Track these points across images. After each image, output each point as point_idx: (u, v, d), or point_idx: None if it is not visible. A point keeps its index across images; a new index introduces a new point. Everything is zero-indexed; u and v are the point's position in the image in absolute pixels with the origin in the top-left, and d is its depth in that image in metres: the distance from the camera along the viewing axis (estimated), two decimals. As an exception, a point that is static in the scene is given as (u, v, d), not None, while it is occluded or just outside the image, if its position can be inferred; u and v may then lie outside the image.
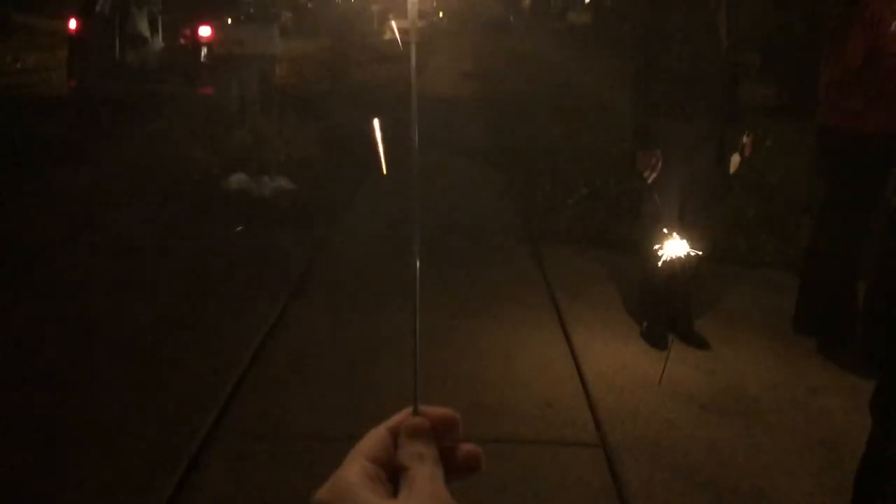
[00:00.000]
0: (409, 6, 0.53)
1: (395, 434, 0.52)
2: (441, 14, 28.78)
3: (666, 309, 3.90)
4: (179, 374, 3.37)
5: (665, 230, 3.54)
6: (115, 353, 3.51)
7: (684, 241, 3.47)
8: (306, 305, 4.18)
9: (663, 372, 3.47)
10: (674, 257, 3.48)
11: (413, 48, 0.54)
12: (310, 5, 27.44)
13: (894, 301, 3.51)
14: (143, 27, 9.71)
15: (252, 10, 12.87)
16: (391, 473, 0.50)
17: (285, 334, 3.82)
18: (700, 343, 3.86)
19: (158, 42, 9.84)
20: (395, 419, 0.53)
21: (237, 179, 6.35)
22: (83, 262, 4.65)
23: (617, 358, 3.74)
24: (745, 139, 3.69)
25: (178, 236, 5.14)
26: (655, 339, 3.85)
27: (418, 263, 0.55)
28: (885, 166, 3.65)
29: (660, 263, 3.54)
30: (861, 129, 3.58)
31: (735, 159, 3.71)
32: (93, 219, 5.35)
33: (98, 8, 9.43)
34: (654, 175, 3.57)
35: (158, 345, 3.63)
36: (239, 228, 5.14)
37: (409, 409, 0.53)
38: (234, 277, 4.49)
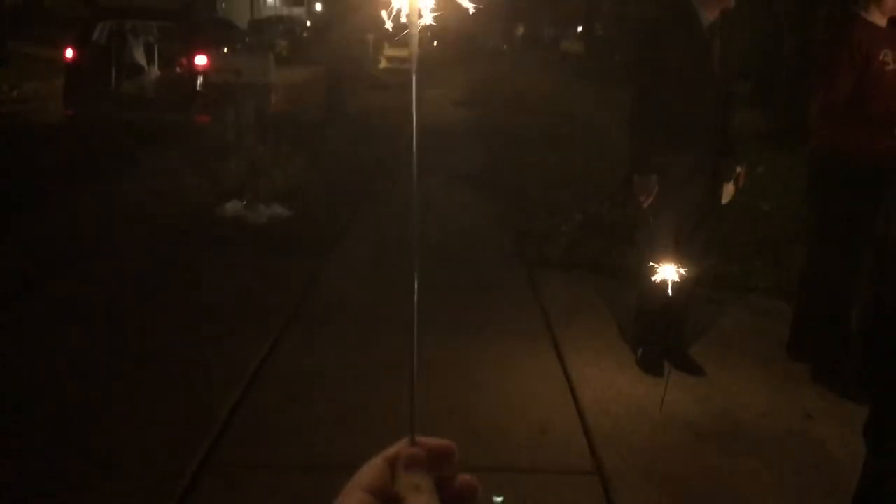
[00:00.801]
0: (410, 38, 0.55)
1: (392, 465, 0.52)
2: (435, 43, 29.04)
3: (661, 335, 3.91)
4: (173, 404, 3.35)
5: (660, 257, 3.55)
6: (108, 383, 3.50)
7: (679, 267, 3.49)
8: (301, 333, 4.17)
9: (663, 398, 3.47)
10: (669, 284, 3.50)
11: (414, 79, 0.55)
12: (305, 34, 27.66)
13: (885, 328, 3.53)
14: (140, 56, 9.81)
15: (248, 40, 12.99)
16: None
17: (280, 362, 3.81)
18: (695, 369, 3.86)
19: (154, 71, 9.94)
20: (392, 450, 0.53)
21: (232, 207, 6.36)
22: (76, 291, 4.64)
23: (612, 384, 3.74)
24: (738, 170, 3.73)
25: (172, 263, 5.13)
26: (650, 366, 3.85)
27: (416, 298, 0.56)
28: (876, 193, 3.68)
29: (655, 290, 3.56)
30: (851, 157, 3.61)
31: (728, 189, 3.75)
32: (87, 246, 5.35)
33: (95, 37, 9.51)
34: (650, 200, 3.59)
35: (152, 374, 3.61)
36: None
37: (405, 440, 0.54)
38: (229, 305, 4.48)
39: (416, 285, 0.57)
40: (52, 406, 3.28)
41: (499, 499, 3.28)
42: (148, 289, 4.70)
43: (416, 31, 0.53)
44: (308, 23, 31.57)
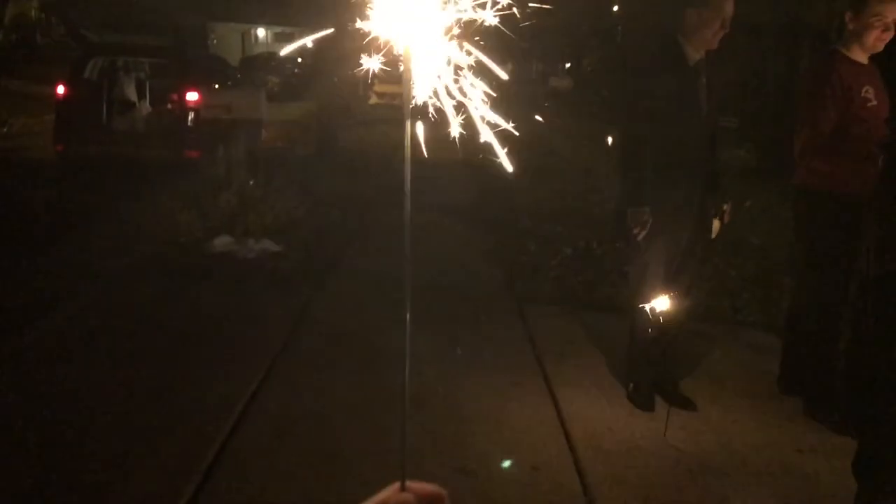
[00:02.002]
0: (404, 80, 0.56)
1: None
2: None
3: (652, 370, 3.90)
4: (159, 443, 3.31)
5: (651, 291, 3.56)
6: (94, 421, 3.45)
7: (670, 301, 3.50)
8: (290, 370, 4.14)
9: (666, 428, 3.46)
10: (660, 318, 3.50)
11: (407, 125, 0.56)
12: (297, 71, 27.84)
13: (867, 363, 3.55)
14: (131, 92, 9.84)
15: (239, 76, 13.08)
16: None
17: (268, 400, 3.77)
18: (686, 404, 3.85)
19: (146, 106, 9.97)
20: (382, 495, 0.53)
21: (222, 242, 6.35)
22: (63, 326, 4.60)
23: (604, 420, 3.72)
24: (724, 206, 3.76)
25: (162, 298, 5.11)
26: (642, 401, 3.84)
27: (408, 350, 0.56)
28: (860, 228, 3.71)
29: (647, 324, 3.56)
30: (834, 193, 3.65)
31: (716, 225, 3.78)
32: (76, 282, 5.31)
33: (86, 74, 9.56)
34: (643, 233, 3.61)
35: (139, 412, 3.57)
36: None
37: (396, 485, 0.53)
38: (218, 341, 4.45)
39: (407, 345, 0.57)
40: (38, 442, 3.24)
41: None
42: (136, 324, 4.66)
43: (409, 74, 0.55)
44: (299, 59, 31.79)
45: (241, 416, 3.56)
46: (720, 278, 5.84)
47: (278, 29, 39.62)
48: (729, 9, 3.52)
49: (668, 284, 3.64)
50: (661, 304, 3.49)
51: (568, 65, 39.65)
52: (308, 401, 3.77)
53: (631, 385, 3.95)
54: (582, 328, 4.96)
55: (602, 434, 3.58)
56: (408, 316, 0.54)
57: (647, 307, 3.54)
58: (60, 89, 9.23)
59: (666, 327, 3.57)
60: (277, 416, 3.61)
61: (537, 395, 3.99)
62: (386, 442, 3.24)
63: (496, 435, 3.53)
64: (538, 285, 5.80)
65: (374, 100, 22.26)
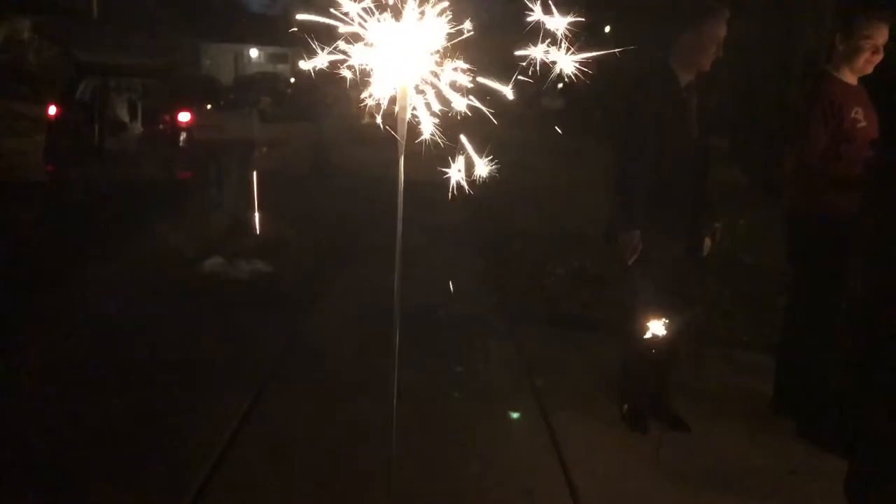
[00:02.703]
0: (398, 121, 0.54)
1: None
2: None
3: (646, 391, 3.88)
4: (149, 466, 3.27)
5: (645, 312, 3.55)
6: (85, 445, 3.41)
7: (664, 322, 3.49)
8: (282, 392, 4.10)
9: (659, 450, 3.45)
10: (654, 339, 3.49)
11: (401, 161, 0.55)
12: (289, 91, 27.95)
13: (856, 384, 3.55)
14: (123, 113, 9.85)
15: (232, 96, 13.11)
16: None
17: (259, 423, 3.74)
18: (679, 425, 3.83)
19: (137, 127, 9.97)
20: None
21: (213, 263, 6.32)
22: (50, 350, 4.55)
23: (598, 442, 3.70)
24: (715, 225, 3.77)
25: (152, 319, 5.07)
26: (636, 422, 3.82)
27: (397, 367, 0.54)
28: (850, 250, 3.72)
29: (641, 345, 3.55)
30: (826, 214, 3.66)
31: (707, 242, 3.79)
32: (64, 303, 5.28)
33: (78, 94, 9.56)
34: (634, 257, 3.60)
35: (129, 435, 3.53)
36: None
37: None
38: (208, 363, 4.41)
39: (396, 357, 0.55)
40: (27, 466, 3.20)
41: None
42: (126, 345, 4.62)
43: (405, 103, 0.54)
44: (292, 79, 31.91)
45: (231, 439, 3.53)
46: (713, 298, 5.84)
47: (271, 49, 39.82)
48: (722, 33, 3.55)
49: (661, 306, 3.63)
50: (654, 326, 3.48)
51: (561, 84, 39.85)
52: (299, 424, 3.73)
53: (625, 406, 3.92)
54: (575, 349, 4.94)
55: (596, 456, 3.55)
56: (396, 339, 0.52)
57: (641, 329, 3.53)
58: (52, 110, 9.23)
59: (659, 349, 3.56)
60: (268, 438, 3.57)
61: (530, 417, 3.97)
62: (377, 465, 3.20)
63: (488, 458, 3.50)
64: (531, 306, 5.78)
65: (367, 120, 22.31)
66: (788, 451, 3.71)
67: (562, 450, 3.60)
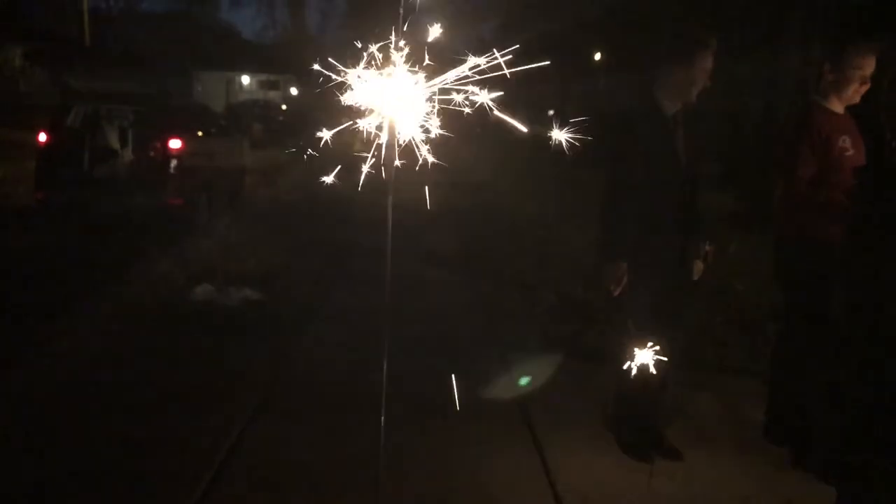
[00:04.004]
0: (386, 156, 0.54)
1: None
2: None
3: (640, 419, 3.86)
4: (139, 494, 3.23)
5: (637, 339, 3.53)
6: (73, 473, 3.37)
7: (654, 350, 3.47)
8: (271, 420, 4.07)
9: (651, 478, 3.43)
10: (645, 367, 3.47)
11: (390, 200, 0.54)
12: (280, 118, 28.04)
13: (840, 412, 3.53)
14: (113, 140, 9.83)
15: (223, 123, 13.13)
16: None
17: (248, 451, 3.70)
18: (673, 453, 3.81)
19: (128, 154, 9.95)
20: None
21: (203, 290, 6.30)
22: (40, 378, 4.51)
23: (590, 471, 3.67)
24: (706, 248, 3.77)
25: (141, 347, 5.03)
26: (635, 450, 3.80)
27: (385, 395, 0.53)
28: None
29: (632, 374, 3.53)
30: (814, 242, 3.67)
31: (698, 266, 3.79)
32: (54, 329, 5.24)
33: (69, 121, 9.56)
34: (619, 289, 3.60)
35: (116, 463, 3.48)
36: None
37: None
38: (197, 390, 4.38)
39: (384, 384, 0.54)
40: (16, 494, 3.15)
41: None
42: (114, 373, 4.58)
43: (394, 151, 0.53)
44: (283, 107, 32.02)
45: (221, 466, 3.49)
46: (705, 325, 5.83)
47: (263, 76, 40.00)
48: (710, 64, 3.58)
49: (652, 334, 3.62)
50: (645, 354, 3.46)
51: (552, 112, 40.15)
52: (288, 453, 3.70)
53: (620, 435, 3.90)
54: (567, 377, 4.91)
55: (588, 485, 3.52)
56: (384, 371, 0.51)
57: (631, 357, 3.51)
58: (42, 136, 9.23)
59: (652, 378, 3.54)
60: (257, 468, 3.54)
61: (523, 446, 3.94)
62: (368, 494, 3.17)
63: (480, 488, 3.47)
64: (522, 333, 5.76)
65: (357, 147, 22.38)
66: (782, 480, 3.68)
67: (554, 479, 3.57)
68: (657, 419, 3.92)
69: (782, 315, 4.05)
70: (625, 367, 3.61)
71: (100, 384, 4.40)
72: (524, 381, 4.74)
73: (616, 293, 3.62)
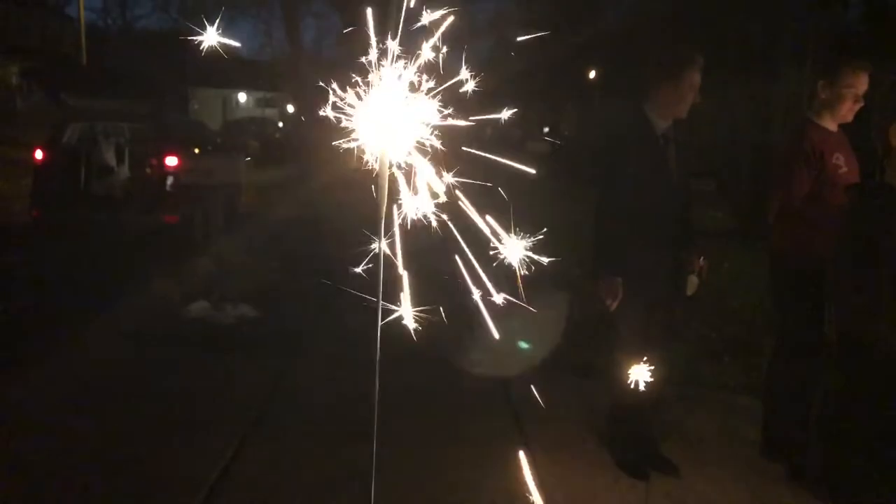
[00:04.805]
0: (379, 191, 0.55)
1: None
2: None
3: (635, 435, 3.86)
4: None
5: (632, 355, 3.54)
6: (61, 493, 3.34)
7: (650, 366, 3.47)
8: (265, 439, 4.04)
9: (647, 495, 3.42)
10: (641, 383, 3.47)
11: (381, 254, 0.55)
12: (277, 136, 28.12)
13: (834, 428, 3.55)
14: (110, 157, 9.84)
15: (219, 140, 13.16)
16: None
17: (242, 470, 3.68)
18: (669, 469, 3.80)
19: (124, 171, 9.96)
20: None
21: (199, 307, 6.29)
22: (32, 397, 4.48)
23: (585, 488, 3.66)
24: (700, 262, 3.79)
25: (136, 365, 5.02)
26: (629, 467, 3.79)
27: (376, 440, 0.54)
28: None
29: (628, 390, 3.53)
30: (809, 258, 3.69)
31: (693, 281, 3.80)
32: (48, 347, 5.22)
33: (65, 139, 9.56)
34: (615, 304, 3.61)
35: (108, 484, 3.46)
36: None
37: None
38: (192, 409, 4.36)
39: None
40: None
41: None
42: (108, 392, 4.56)
43: (384, 190, 0.54)
44: (280, 124, 32.13)
45: (213, 487, 3.47)
46: (700, 341, 5.83)
47: (259, 94, 40.14)
48: (697, 80, 3.61)
49: (646, 349, 3.62)
50: (639, 370, 3.46)
51: (547, 129, 40.35)
52: (282, 473, 3.68)
53: (616, 451, 3.89)
54: (562, 393, 4.90)
55: (584, 501, 3.51)
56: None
57: (625, 372, 3.51)
58: (38, 154, 9.22)
59: (646, 394, 3.54)
60: (250, 487, 3.52)
61: (517, 463, 3.91)
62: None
63: (472, 503, 3.45)
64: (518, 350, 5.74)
65: (354, 166, 22.42)
66: (779, 497, 3.67)
67: (549, 497, 3.55)
68: (652, 435, 3.91)
69: (777, 330, 4.06)
70: (619, 382, 3.62)
71: (89, 400, 4.38)
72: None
73: (613, 307, 3.63)
